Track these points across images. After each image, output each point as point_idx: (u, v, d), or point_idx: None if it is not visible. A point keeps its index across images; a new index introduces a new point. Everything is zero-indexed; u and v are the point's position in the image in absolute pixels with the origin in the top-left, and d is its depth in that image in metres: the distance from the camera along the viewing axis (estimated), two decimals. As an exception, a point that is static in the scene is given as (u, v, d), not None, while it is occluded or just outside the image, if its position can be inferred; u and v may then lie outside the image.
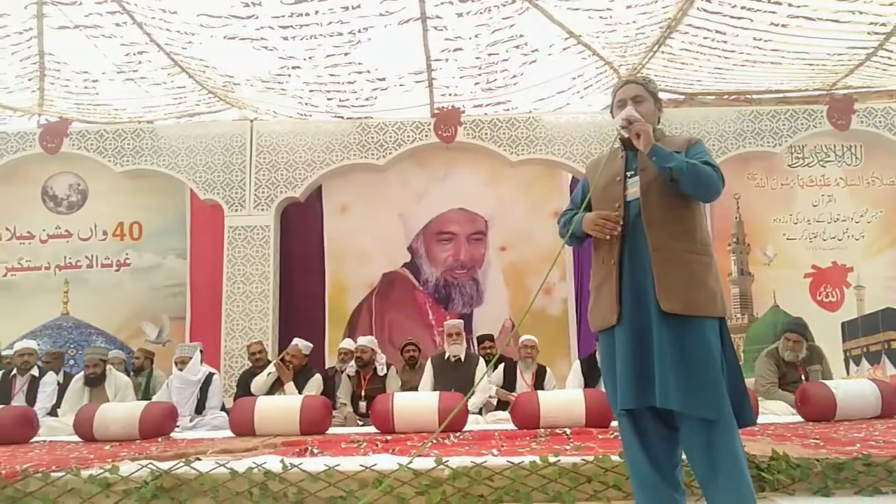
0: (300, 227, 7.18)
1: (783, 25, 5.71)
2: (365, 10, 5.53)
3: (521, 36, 6.03)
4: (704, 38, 6.07)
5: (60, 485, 2.75)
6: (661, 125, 2.32)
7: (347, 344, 5.79)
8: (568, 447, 3.01)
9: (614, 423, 3.85)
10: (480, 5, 5.57)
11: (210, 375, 5.16)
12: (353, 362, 5.38)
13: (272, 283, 6.77)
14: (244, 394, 5.43)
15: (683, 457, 2.14)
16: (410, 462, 2.75)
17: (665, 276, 2.03)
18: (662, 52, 6.39)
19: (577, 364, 5.03)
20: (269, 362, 5.50)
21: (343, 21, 5.66)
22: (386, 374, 5.24)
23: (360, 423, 4.95)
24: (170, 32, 5.89)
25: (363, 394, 5.16)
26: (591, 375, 4.83)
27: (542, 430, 3.57)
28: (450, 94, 6.95)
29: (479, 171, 7.16)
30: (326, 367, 6.34)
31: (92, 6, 5.51)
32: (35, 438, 4.13)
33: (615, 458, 2.68)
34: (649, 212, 2.09)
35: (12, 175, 7.15)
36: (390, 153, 6.98)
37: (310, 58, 6.19)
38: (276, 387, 5.02)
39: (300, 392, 4.94)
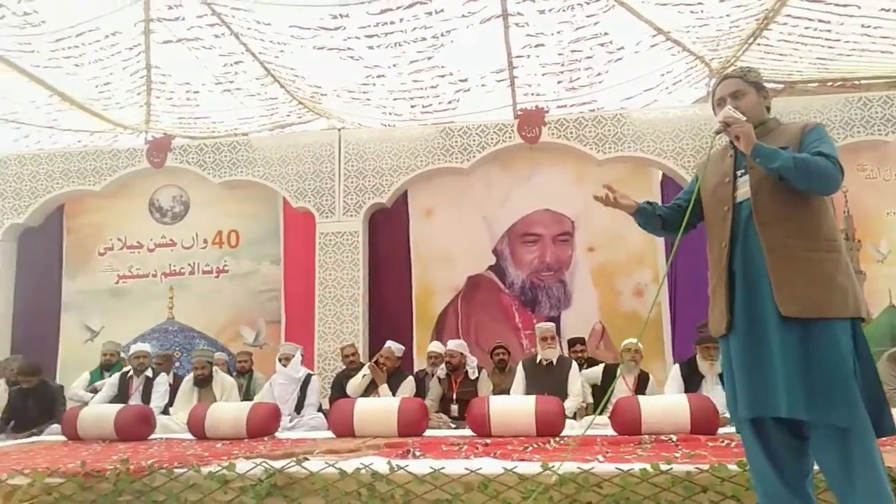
0: (387, 231, 7.30)
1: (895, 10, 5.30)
2: (448, 13, 5.57)
3: (605, 34, 5.89)
4: (806, 28, 5.71)
5: (183, 480, 2.91)
6: (773, 114, 2.20)
7: (436, 347, 5.83)
8: (678, 454, 2.90)
9: (722, 430, 3.70)
10: (563, 3, 5.49)
11: (309, 376, 5.33)
12: (443, 365, 5.41)
13: (362, 287, 6.92)
14: (339, 395, 5.59)
15: (816, 467, 2.02)
16: (516, 467, 2.74)
17: (783, 278, 1.92)
18: (758, 45, 6.08)
19: (675, 368, 4.85)
20: (362, 365, 5.62)
21: (426, 26, 5.72)
22: (477, 378, 5.24)
23: (453, 426, 4.96)
24: (263, 42, 6.13)
25: (454, 397, 5.18)
26: (690, 380, 4.64)
27: (647, 436, 3.45)
28: (532, 94, 6.89)
29: (565, 171, 7.05)
30: (415, 369, 6.42)
31: (193, 20, 5.82)
32: (152, 436, 4.38)
33: (732, 467, 2.56)
34: (761, 211, 1.99)
35: (123, 189, 7.66)
36: (474, 156, 6.99)
37: (394, 65, 6.30)
38: (370, 388, 5.13)
39: (393, 394, 5.03)
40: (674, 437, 3.38)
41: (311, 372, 5.55)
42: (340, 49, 6.07)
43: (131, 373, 5.45)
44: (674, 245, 2.42)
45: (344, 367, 5.81)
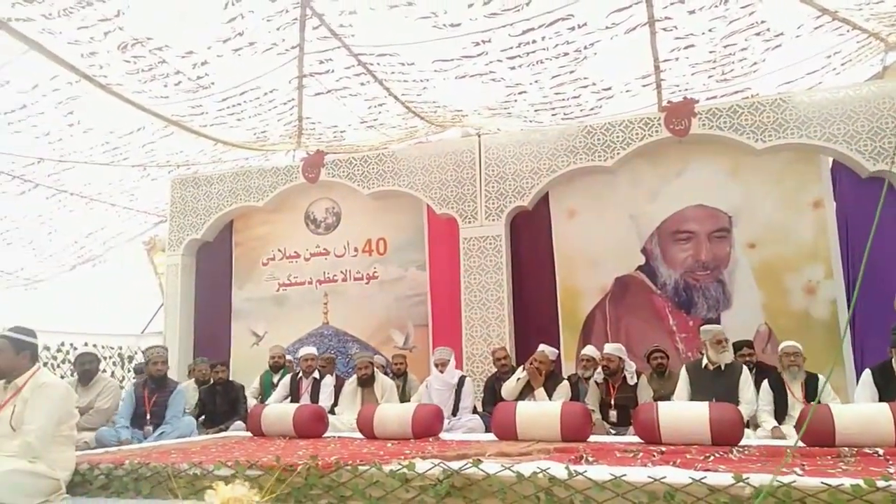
0: (529, 234, 7.27)
1: None
2: (591, 26, 5.48)
3: (762, 22, 5.49)
4: None
5: (367, 477, 3.05)
6: None
7: (590, 351, 5.71)
8: (891, 470, 2.60)
9: (937, 445, 3.28)
10: None
11: (463, 378, 5.43)
12: (599, 369, 5.28)
13: (506, 291, 6.95)
14: (491, 397, 5.64)
15: None
16: (704, 477, 2.60)
17: None
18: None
19: (867, 374, 4.37)
20: (514, 368, 5.63)
21: (568, 41, 5.66)
22: (637, 384, 5.06)
23: (612, 431, 4.82)
24: (406, 83, 6.43)
25: (612, 402, 5.03)
26: (886, 387, 4.17)
27: (846, 448, 3.14)
28: (679, 91, 6.57)
29: (719, 164, 6.63)
30: (563, 373, 6.32)
31: (342, 71, 6.23)
32: (325, 434, 4.66)
33: (968, 486, 2.25)
34: None
35: (282, 204, 8.27)
36: (618, 153, 6.78)
37: (535, 81, 6.31)
38: (525, 392, 5.12)
39: (549, 398, 4.98)
40: (880, 451, 3.04)
41: (465, 374, 5.64)
42: (482, 74, 6.18)
43: (300, 375, 5.85)
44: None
45: (495, 369, 5.85)
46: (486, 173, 7.24)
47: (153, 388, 5.17)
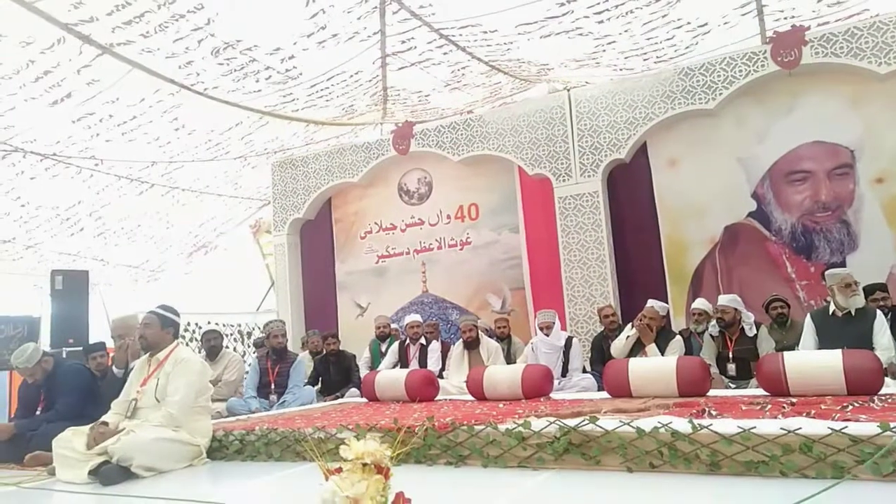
0: (627, 188, 7.02)
1: None
2: None
3: None
4: None
5: (483, 436, 3.08)
6: None
7: (701, 304, 5.47)
8: None
9: None
10: None
11: (570, 339, 5.37)
12: (713, 323, 5.04)
13: (607, 248, 6.76)
14: (599, 356, 5.54)
15: None
16: (846, 427, 2.42)
17: None
18: None
19: None
20: (621, 326, 5.49)
21: None
22: (756, 335, 4.79)
23: (732, 385, 4.61)
24: (489, 47, 6.31)
25: (730, 356, 4.81)
26: None
27: None
28: (785, 19, 6.02)
29: (837, 95, 6.07)
30: (674, 328, 6.10)
31: (423, 45, 6.22)
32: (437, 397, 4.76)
33: None
34: None
35: (376, 178, 8.43)
36: (720, 94, 6.36)
37: (626, 31, 6.01)
38: (636, 349, 4.99)
39: (662, 354, 4.83)
40: None
41: (572, 335, 5.57)
42: (568, 31, 5.96)
43: (407, 341, 6.00)
44: None
45: (603, 328, 5.73)
46: (579, 128, 7.02)
47: (275, 359, 5.47)
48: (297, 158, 8.79)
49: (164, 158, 7.85)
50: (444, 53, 6.47)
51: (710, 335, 5.00)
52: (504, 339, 6.30)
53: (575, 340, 5.49)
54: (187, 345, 9.89)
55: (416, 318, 6.20)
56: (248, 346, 10.37)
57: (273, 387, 5.35)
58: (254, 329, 10.56)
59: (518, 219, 7.61)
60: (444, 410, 3.88)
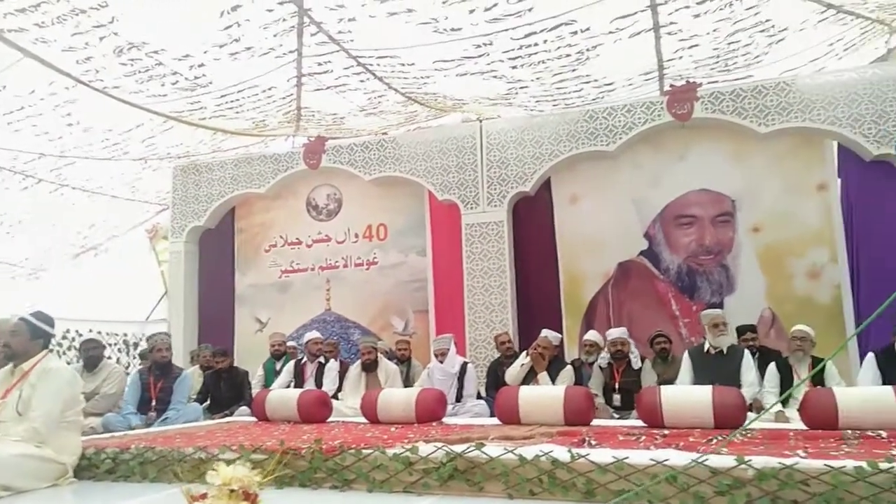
0: (531, 220, 7.26)
1: None
2: (594, 31, 5.48)
3: (767, 20, 5.47)
4: None
5: (370, 461, 3.07)
6: None
7: (593, 336, 5.72)
8: (895, 451, 2.61)
9: (939, 427, 3.29)
10: (721, 2, 5.16)
11: (465, 365, 5.45)
12: (604, 354, 5.29)
13: (509, 276, 6.95)
14: (494, 382, 5.66)
15: None
16: (706, 459, 2.60)
17: None
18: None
19: (870, 357, 4.38)
20: (517, 352, 5.64)
21: (571, 44, 5.68)
22: (641, 368, 5.07)
23: (616, 416, 4.84)
24: (406, 80, 6.42)
25: (616, 386, 5.05)
26: (889, 371, 4.18)
27: (850, 431, 3.15)
28: (682, 78, 6.53)
29: (722, 148, 6.60)
30: (566, 358, 6.33)
31: (340, 71, 6.23)
32: (329, 419, 4.68)
33: (970, 468, 2.25)
34: None
35: (284, 190, 8.27)
36: (620, 138, 6.75)
37: (537, 78, 6.32)
38: (529, 377, 5.13)
39: (553, 382, 5.00)
40: (883, 433, 3.05)
41: (467, 361, 5.65)
42: (484, 72, 6.18)
43: (304, 359, 5.87)
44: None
45: (498, 354, 5.86)
46: (488, 159, 7.21)
47: (158, 374, 5.20)
48: (202, 164, 8.47)
49: (55, 152, 7.33)
50: (361, 81, 6.51)
51: (599, 366, 5.24)
52: (404, 361, 6.31)
53: (470, 366, 5.58)
54: (65, 353, 9.26)
55: (317, 334, 6.10)
56: (134, 358, 9.77)
57: (154, 403, 5.07)
58: (141, 339, 9.97)
59: (426, 242, 7.68)
60: (334, 433, 3.83)
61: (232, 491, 1.47)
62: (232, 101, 6.72)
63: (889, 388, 3.47)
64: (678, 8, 5.25)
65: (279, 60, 6.01)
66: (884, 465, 2.35)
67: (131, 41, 5.31)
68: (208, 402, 5.99)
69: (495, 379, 5.65)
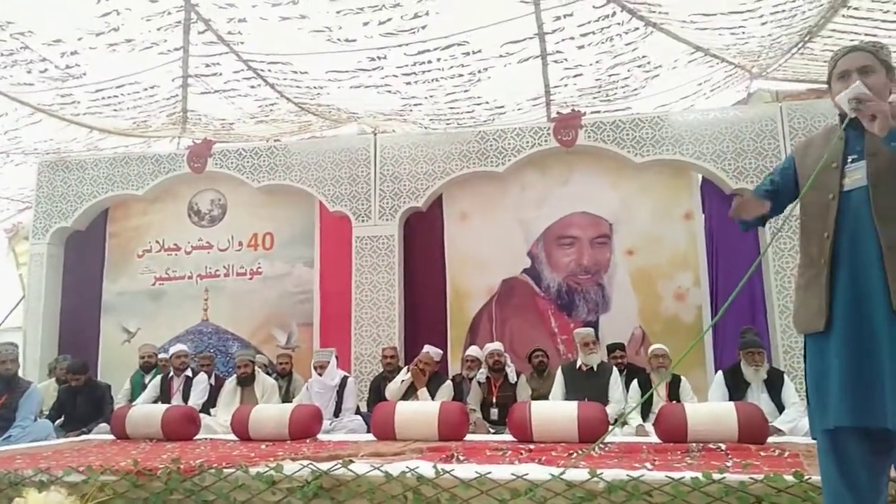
0: (422, 235, 7.32)
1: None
2: (485, 53, 5.66)
3: (643, 57, 5.90)
4: (851, 40, 5.58)
5: (232, 480, 2.95)
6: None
7: (474, 351, 5.82)
8: (729, 464, 2.84)
9: (771, 440, 3.62)
10: (603, 36, 5.51)
11: (345, 379, 5.37)
12: (482, 369, 5.39)
13: (397, 291, 6.95)
14: (376, 397, 5.61)
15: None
16: (563, 473, 2.71)
17: None
18: (801, 54, 5.97)
19: (719, 376, 4.76)
20: (400, 368, 5.64)
21: (463, 65, 5.83)
22: (517, 382, 5.21)
23: (492, 430, 4.94)
24: (299, 89, 6.31)
25: (494, 401, 5.16)
26: (735, 388, 4.55)
27: (694, 444, 3.39)
28: (568, 108, 6.88)
29: (602, 174, 6.97)
30: (450, 373, 6.40)
31: (230, 75, 6.03)
32: (197, 436, 4.45)
33: (788, 477, 2.49)
34: (881, 203, 1.81)
35: (164, 193, 7.82)
36: (509, 160, 6.97)
37: (431, 96, 6.42)
38: (409, 392, 5.13)
39: (432, 398, 5.03)
40: (722, 446, 3.31)
41: (348, 375, 5.58)
42: (378, 86, 6.20)
43: (172, 373, 5.54)
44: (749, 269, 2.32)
45: (382, 369, 5.83)
46: (381, 173, 7.21)
47: (2, 388, 4.71)
48: (72, 162, 7.86)
49: None
50: (252, 87, 6.32)
51: (478, 381, 5.34)
52: (285, 376, 6.12)
53: (350, 380, 5.51)
54: None
55: (182, 347, 5.77)
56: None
57: (-3, 420, 4.59)
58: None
59: (314, 253, 7.52)
60: (198, 451, 3.64)
61: (41, 520, 1.35)
62: (109, 98, 6.30)
63: (731, 404, 3.79)
64: (564, 38, 5.53)
65: (163, 57, 5.71)
66: (717, 476, 2.54)
67: (-9, 19, 4.87)
68: (62, 418, 5.50)
69: (377, 394, 5.61)
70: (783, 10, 5.11)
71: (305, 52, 5.59)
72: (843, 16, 5.18)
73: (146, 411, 4.40)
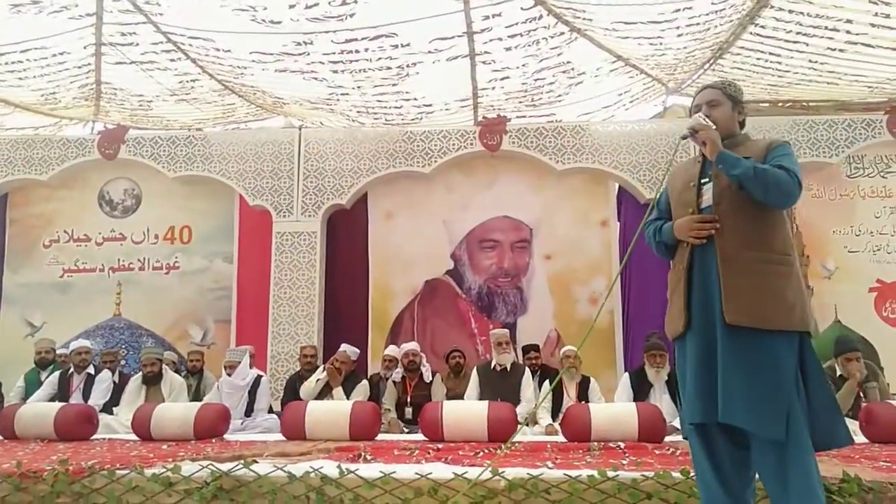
0: (345, 233, 7.24)
1: (840, 50, 5.55)
2: (414, 48, 5.67)
3: (568, 62, 6.07)
4: (757, 59, 5.96)
5: (125, 482, 2.83)
6: (745, 130, 2.30)
7: (392, 351, 5.81)
8: (625, 462, 2.96)
9: (669, 439, 3.80)
10: (529, 38, 5.62)
11: (258, 378, 5.24)
12: (398, 368, 5.39)
13: (318, 289, 6.84)
14: (292, 397, 5.51)
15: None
16: (466, 472, 2.75)
17: (732, 287, 1.98)
18: (713, 70, 6.30)
19: (625, 377, 4.96)
20: (318, 367, 5.56)
21: (392, 57, 5.81)
22: (432, 381, 5.24)
23: (406, 430, 4.95)
24: (222, 66, 6.13)
25: (409, 400, 5.17)
26: (640, 389, 4.76)
27: (595, 443, 3.52)
28: (494, 111, 6.98)
29: (524, 180, 7.12)
30: (370, 373, 6.37)
31: (147, 46, 5.79)
32: (95, 436, 4.24)
33: (676, 474, 2.63)
34: (720, 220, 2.06)
35: (72, 180, 7.40)
36: (436, 161, 7.00)
37: (358, 87, 6.36)
38: (324, 392, 5.07)
39: (348, 398, 4.99)
40: (621, 445, 3.45)
41: (262, 373, 5.45)
42: (304, 72, 6.09)
43: (72, 370, 5.26)
44: (627, 251, 2.49)
45: (299, 367, 5.73)
46: (305, 168, 7.08)
47: None
48: (-32, 142, 7.33)
49: None
50: (172, 60, 6.06)
51: (393, 381, 5.34)
52: (195, 373, 5.91)
53: (264, 379, 5.39)
54: None
55: (84, 343, 5.47)
56: None
57: None
58: None
59: (233, 248, 7.32)
60: (93, 452, 3.48)
61: None
62: (13, 63, 5.89)
63: (633, 404, 3.95)
64: (492, 38, 5.59)
65: (74, 23, 5.40)
66: (611, 474, 2.65)
67: None
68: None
69: (293, 393, 5.50)
70: (697, 24, 5.37)
71: (228, 31, 5.42)
72: (751, 33, 5.50)
73: (38, 410, 4.15)
